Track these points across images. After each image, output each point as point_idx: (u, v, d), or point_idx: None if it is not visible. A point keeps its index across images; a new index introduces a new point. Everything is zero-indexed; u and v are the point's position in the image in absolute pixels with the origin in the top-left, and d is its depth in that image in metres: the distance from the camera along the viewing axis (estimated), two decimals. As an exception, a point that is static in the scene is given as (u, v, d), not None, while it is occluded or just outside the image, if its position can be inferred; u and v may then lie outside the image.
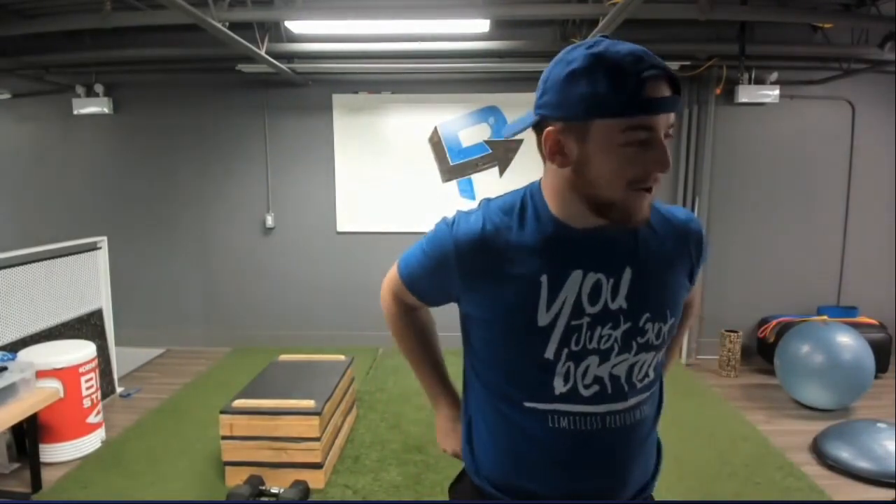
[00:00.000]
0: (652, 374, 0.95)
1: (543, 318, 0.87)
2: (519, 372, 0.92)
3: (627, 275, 0.89)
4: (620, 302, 0.89)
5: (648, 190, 0.82)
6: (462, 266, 0.91)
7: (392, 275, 1.08)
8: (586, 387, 0.90)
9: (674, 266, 0.94)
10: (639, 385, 0.93)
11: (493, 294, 0.89)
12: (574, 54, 0.81)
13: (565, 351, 0.88)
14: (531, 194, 0.93)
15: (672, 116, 0.81)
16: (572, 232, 0.88)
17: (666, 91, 0.78)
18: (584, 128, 0.80)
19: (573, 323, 0.87)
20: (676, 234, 0.96)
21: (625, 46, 0.80)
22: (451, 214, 0.96)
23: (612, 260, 0.89)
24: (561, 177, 0.86)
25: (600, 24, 3.32)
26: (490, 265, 0.89)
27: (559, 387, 0.89)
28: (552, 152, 0.84)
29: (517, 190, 0.96)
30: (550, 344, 0.88)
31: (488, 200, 0.95)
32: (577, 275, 0.88)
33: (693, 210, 4.75)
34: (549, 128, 0.82)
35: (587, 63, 0.79)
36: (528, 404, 0.91)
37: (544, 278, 0.87)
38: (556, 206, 0.89)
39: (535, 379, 0.90)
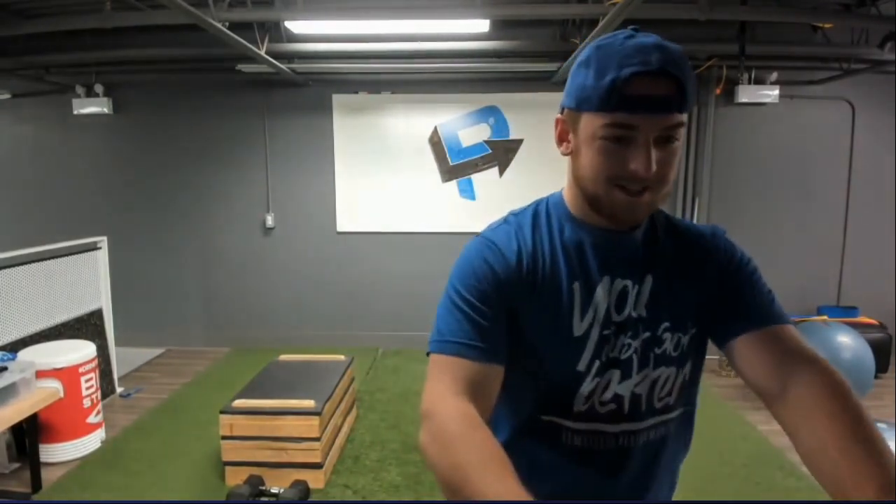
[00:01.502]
0: (674, 398, 0.89)
1: (578, 328, 0.85)
2: (545, 386, 0.87)
3: (649, 282, 0.86)
4: (640, 310, 0.86)
5: (637, 192, 0.77)
6: (516, 272, 0.85)
7: (438, 367, 0.81)
8: (602, 404, 0.86)
9: (696, 276, 0.89)
10: (657, 405, 0.88)
11: (529, 305, 0.85)
12: (591, 44, 0.80)
13: (596, 363, 0.85)
14: (551, 199, 0.92)
15: (673, 117, 0.74)
16: (594, 234, 0.86)
17: (659, 90, 0.72)
18: (577, 118, 0.80)
19: (605, 332, 0.85)
20: (699, 246, 0.91)
21: (640, 40, 0.75)
22: (470, 242, 0.90)
23: (636, 266, 0.87)
24: (570, 168, 0.86)
25: (600, 24, 3.31)
26: (528, 275, 0.85)
27: (579, 405, 0.86)
28: (559, 139, 0.85)
29: (538, 199, 0.94)
30: (584, 355, 0.84)
31: (514, 214, 0.92)
32: (606, 281, 0.85)
33: (693, 210, 4.75)
34: (559, 115, 0.85)
35: (588, 54, 0.78)
36: (545, 417, 0.88)
37: (577, 285, 0.85)
38: (571, 201, 0.89)
39: (559, 393, 0.86)
